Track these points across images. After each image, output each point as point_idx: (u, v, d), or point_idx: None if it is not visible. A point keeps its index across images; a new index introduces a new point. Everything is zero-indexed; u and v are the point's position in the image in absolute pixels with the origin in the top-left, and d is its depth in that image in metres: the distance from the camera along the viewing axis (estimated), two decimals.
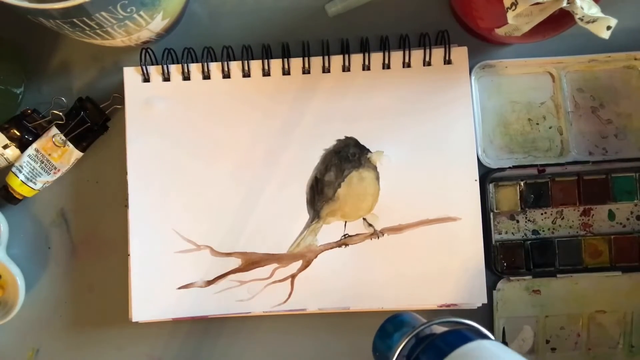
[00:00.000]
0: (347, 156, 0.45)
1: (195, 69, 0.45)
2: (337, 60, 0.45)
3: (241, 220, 0.45)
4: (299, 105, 0.45)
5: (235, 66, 0.46)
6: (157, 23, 0.41)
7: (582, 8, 0.34)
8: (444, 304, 0.44)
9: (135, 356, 0.46)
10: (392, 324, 0.36)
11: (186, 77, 0.46)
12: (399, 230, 0.44)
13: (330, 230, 0.45)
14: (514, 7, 0.34)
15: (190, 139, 0.45)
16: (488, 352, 0.29)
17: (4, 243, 0.45)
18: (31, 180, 0.44)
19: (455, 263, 0.44)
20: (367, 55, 0.45)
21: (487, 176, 0.45)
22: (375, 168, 0.45)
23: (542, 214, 0.46)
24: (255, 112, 0.45)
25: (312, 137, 0.45)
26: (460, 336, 0.31)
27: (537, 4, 0.34)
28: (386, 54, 0.45)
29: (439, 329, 0.32)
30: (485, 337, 0.31)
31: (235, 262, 0.45)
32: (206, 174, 0.45)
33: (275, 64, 0.45)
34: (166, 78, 0.45)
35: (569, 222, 0.46)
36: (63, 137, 0.45)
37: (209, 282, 0.44)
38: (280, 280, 0.44)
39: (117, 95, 0.46)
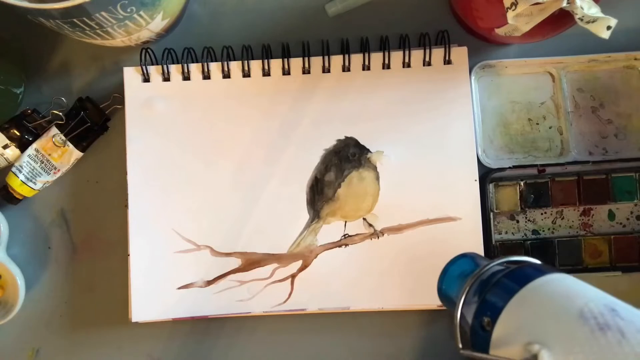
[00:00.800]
0: (347, 156, 0.45)
1: (195, 69, 0.45)
2: (337, 60, 0.45)
3: (241, 220, 0.45)
4: (299, 105, 0.45)
5: (235, 66, 0.46)
6: (157, 23, 0.41)
7: (582, 8, 0.34)
8: None
9: (135, 356, 0.46)
10: (454, 266, 0.35)
11: (186, 77, 0.46)
12: (399, 230, 0.44)
13: (330, 230, 0.45)
14: (514, 7, 0.34)
15: (190, 139, 0.45)
16: (559, 283, 0.28)
17: (4, 243, 0.45)
18: (31, 180, 0.44)
19: None
20: (367, 55, 0.45)
21: (487, 176, 0.45)
22: (375, 168, 0.45)
23: (542, 214, 0.46)
24: (255, 112, 0.45)
25: (312, 137, 0.45)
26: (531, 271, 0.30)
27: (537, 4, 0.34)
28: (386, 54, 0.45)
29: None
30: (554, 271, 0.30)
31: (235, 262, 0.45)
32: (206, 174, 0.45)
33: (275, 64, 0.45)
34: (166, 78, 0.45)
35: (569, 222, 0.46)
36: (63, 137, 0.45)
37: (209, 282, 0.44)
38: (280, 280, 0.44)
39: (117, 95, 0.46)
